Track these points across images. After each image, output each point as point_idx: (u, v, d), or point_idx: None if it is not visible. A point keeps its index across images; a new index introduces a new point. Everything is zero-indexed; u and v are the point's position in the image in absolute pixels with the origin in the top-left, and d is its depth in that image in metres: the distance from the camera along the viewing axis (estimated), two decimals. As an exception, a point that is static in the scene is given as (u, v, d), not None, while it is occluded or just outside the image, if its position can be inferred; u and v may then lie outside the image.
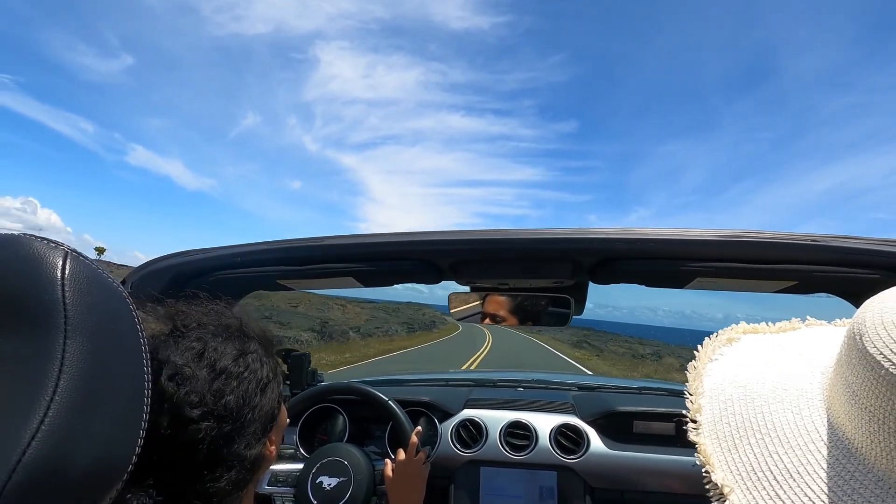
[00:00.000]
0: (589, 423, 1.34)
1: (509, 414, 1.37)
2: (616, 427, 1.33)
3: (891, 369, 0.30)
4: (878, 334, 0.32)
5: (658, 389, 1.65)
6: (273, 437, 0.68)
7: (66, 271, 0.38)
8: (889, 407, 0.31)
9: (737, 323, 0.52)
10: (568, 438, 1.31)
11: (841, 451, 0.34)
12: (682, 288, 0.91)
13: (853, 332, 0.35)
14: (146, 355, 0.43)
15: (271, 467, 1.12)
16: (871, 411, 0.32)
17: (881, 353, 0.31)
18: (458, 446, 1.33)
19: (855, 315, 0.36)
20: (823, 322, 0.51)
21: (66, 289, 0.37)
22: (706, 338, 0.50)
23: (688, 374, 0.46)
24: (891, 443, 0.31)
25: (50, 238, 0.40)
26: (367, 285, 1.00)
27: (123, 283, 0.95)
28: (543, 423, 1.34)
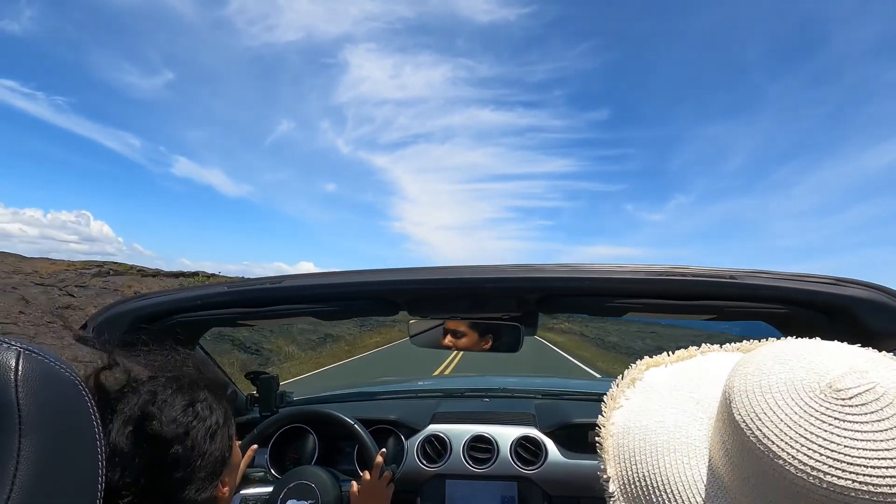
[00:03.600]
0: (547, 434, 1.42)
1: (473, 427, 1.44)
2: (573, 437, 1.41)
3: (750, 437, 0.35)
4: (742, 401, 0.36)
5: None
6: (225, 479, 0.73)
7: (20, 372, 0.42)
8: (752, 468, 0.35)
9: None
10: (527, 450, 1.39)
11: (721, 500, 0.40)
12: (620, 318, 0.99)
13: (724, 395, 0.39)
14: (100, 439, 0.47)
15: (242, 491, 1.16)
16: (739, 467, 0.37)
17: (744, 421, 0.35)
18: (424, 461, 1.39)
19: (727, 378, 0.41)
20: (716, 347, 0.55)
21: (20, 389, 0.41)
22: (613, 383, 0.53)
23: (598, 432, 0.49)
24: (754, 495, 0.36)
25: (4, 338, 0.43)
26: (325, 320, 1.04)
27: (85, 326, 0.97)
28: (504, 436, 1.41)
